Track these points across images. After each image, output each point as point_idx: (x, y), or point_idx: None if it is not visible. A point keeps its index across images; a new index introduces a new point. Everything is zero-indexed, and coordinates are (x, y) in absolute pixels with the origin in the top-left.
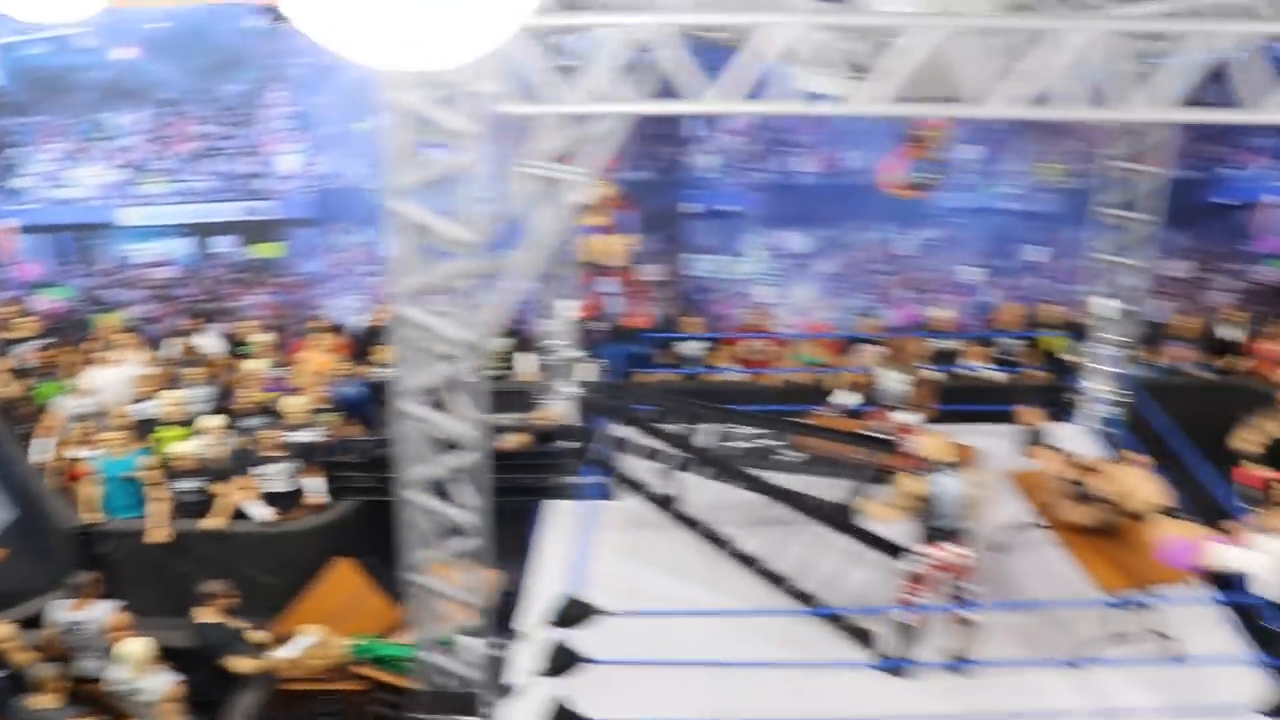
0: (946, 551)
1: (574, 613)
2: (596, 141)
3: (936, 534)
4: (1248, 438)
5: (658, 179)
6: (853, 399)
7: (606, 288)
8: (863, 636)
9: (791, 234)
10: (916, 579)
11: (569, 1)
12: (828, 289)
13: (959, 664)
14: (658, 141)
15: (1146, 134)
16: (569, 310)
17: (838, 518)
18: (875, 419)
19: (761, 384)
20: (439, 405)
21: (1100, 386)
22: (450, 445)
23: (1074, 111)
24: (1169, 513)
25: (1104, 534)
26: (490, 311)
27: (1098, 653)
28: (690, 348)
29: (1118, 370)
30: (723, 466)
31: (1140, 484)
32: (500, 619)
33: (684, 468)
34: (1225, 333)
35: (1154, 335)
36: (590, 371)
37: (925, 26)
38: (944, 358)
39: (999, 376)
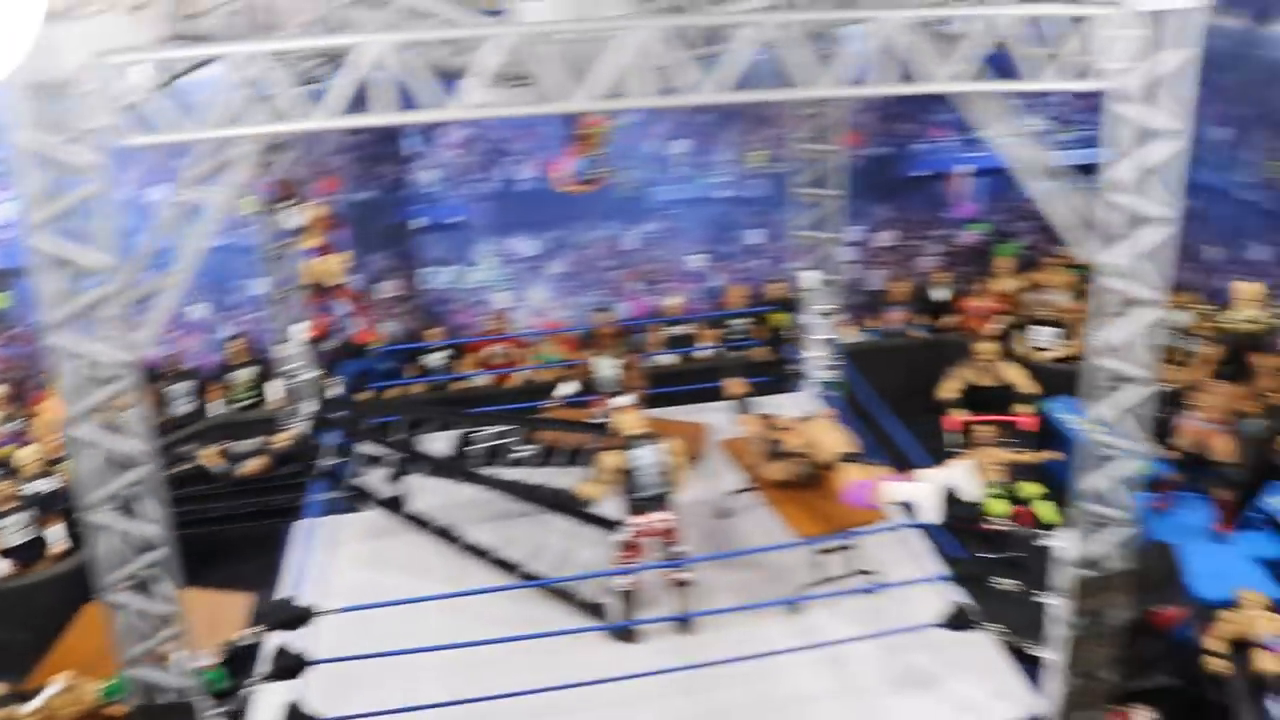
0: (651, 518)
1: (287, 615)
2: (236, 163)
3: (641, 503)
4: (949, 387)
5: (383, 198)
6: (571, 389)
7: (333, 307)
8: (593, 610)
9: (519, 239)
10: (628, 547)
11: (183, 34)
12: (561, 288)
13: (683, 618)
14: (380, 161)
15: (825, 116)
16: (300, 332)
17: (558, 502)
18: (597, 406)
19: (505, 385)
20: (111, 427)
21: (816, 354)
22: (125, 464)
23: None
24: (853, 459)
25: (801, 486)
26: (144, 331)
27: (810, 594)
28: (434, 358)
29: (830, 338)
30: (451, 468)
31: (825, 436)
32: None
33: (407, 473)
34: (935, 294)
35: (873, 302)
36: (325, 390)
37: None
38: (679, 342)
39: (729, 355)
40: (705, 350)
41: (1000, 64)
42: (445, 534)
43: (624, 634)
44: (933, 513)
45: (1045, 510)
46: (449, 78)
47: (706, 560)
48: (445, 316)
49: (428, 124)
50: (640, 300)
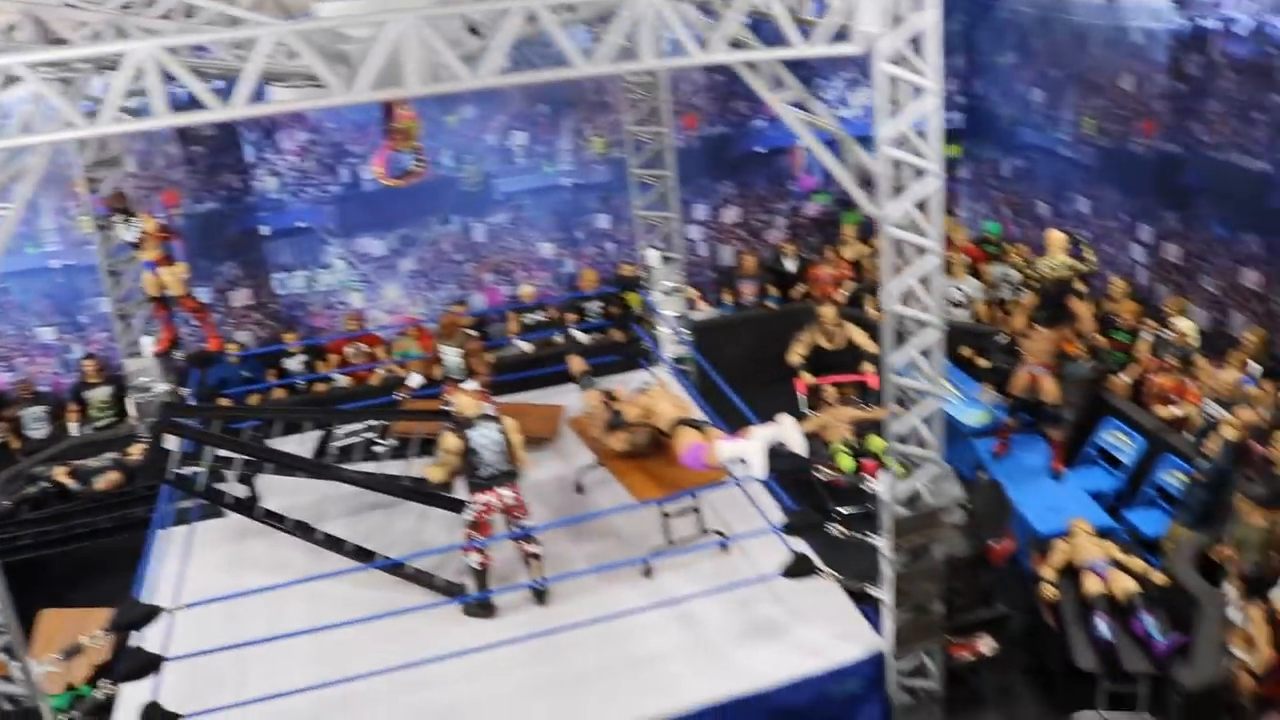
0: (494, 496)
1: (135, 615)
2: (27, 174)
3: (483, 482)
4: (795, 352)
5: (226, 207)
6: (417, 381)
7: (178, 318)
8: (450, 590)
9: (368, 239)
10: (475, 526)
11: None
12: (415, 284)
13: (536, 586)
14: (219, 171)
15: (655, 99)
16: (149, 346)
17: (406, 489)
18: (448, 393)
19: (364, 384)
20: None
21: (665, 331)
22: None
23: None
24: (688, 424)
25: (642, 455)
26: None
27: (659, 555)
28: (292, 361)
29: (677, 314)
30: (299, 466)
31: (661, 404)
32: None
33: (255, 474)
34: (785, 265)
35: (727, 278)
36: (176, 400)
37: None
38: (535, 328)
39: (569, 336)
40: (560, 334)
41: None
42: (299, 530)
43: (482, 610)
44: (759, 468)
45: (890, 462)
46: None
47: (551, 528)
48: (301, 320)
49: (264, 130)
50: (494, 290)
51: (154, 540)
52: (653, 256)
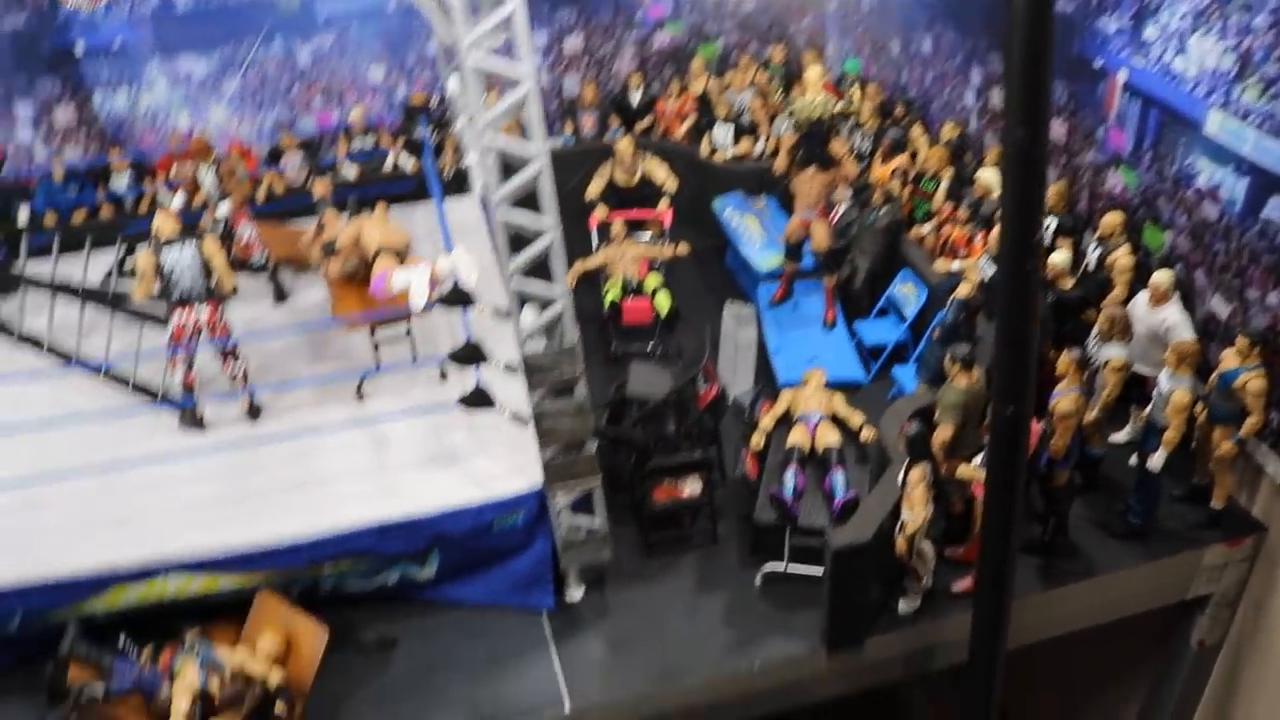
0: (187, 314)
1: None
2: None
3: (177, 300)
4: (593, 187)
5: (35, 27)
6: (176, 202)
7: None
8: (161, 399)
9: (190, 59)
10: (173, 341)
11: None
12: (243, 107)
13: (248, 400)
14: None
15: None
16: None
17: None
18: (208, 216)
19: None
20: None
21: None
22: None
23: None
24: (390, 252)
25: (356, 280)
26: None
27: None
28: (120, 183)
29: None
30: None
31: (370, 231)
32: None
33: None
34: (630, 97)
35: (570, 109)
36: None
37: None
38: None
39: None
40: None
41: None
42: (29, 342)
43: (193, 421)
44: (419, 297)
45: (662, 300)
46: None
47: (242, 341)
48: (127, 141)
49: None
50: (326, 114)
51: None
52: (453, 84)
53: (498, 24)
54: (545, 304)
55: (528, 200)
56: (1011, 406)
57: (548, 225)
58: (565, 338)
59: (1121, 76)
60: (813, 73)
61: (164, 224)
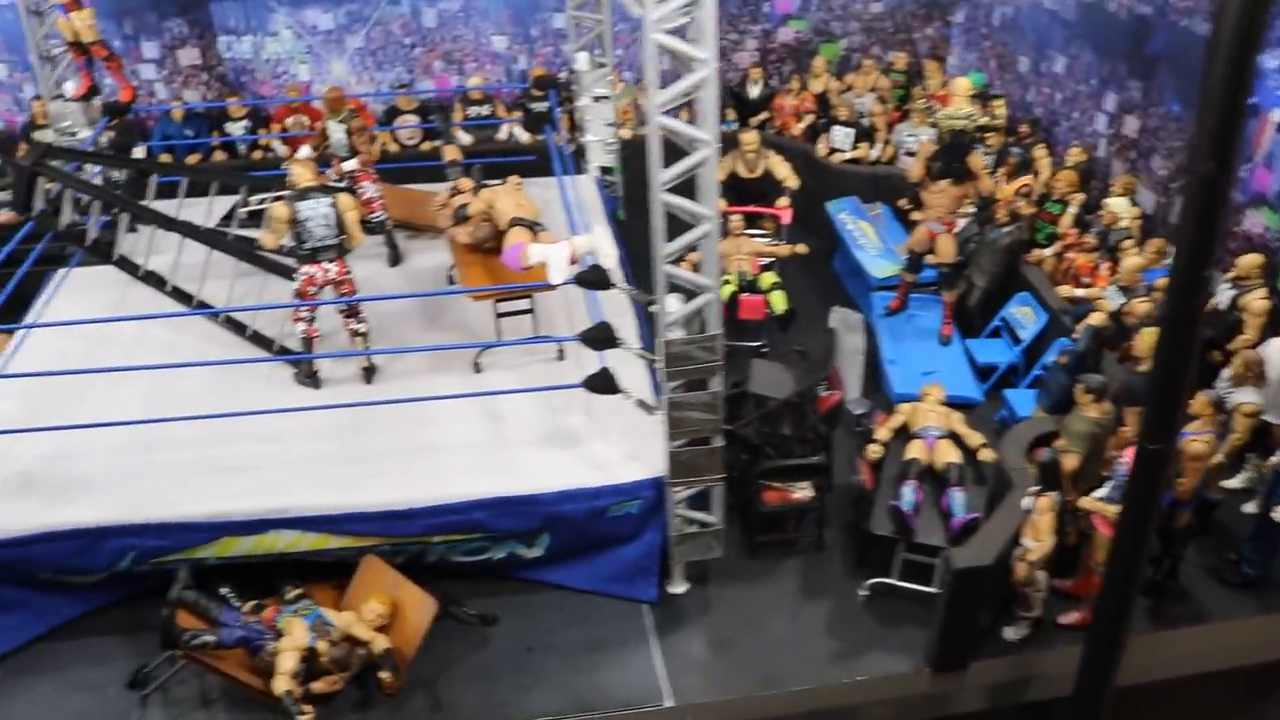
0: (318, 268)
1: None
2: None
3: (308, 254)
4: None
5: None
6: (305, 153)
7: (92, 67)
8: (277, 350)
9: (316, 11)
10: (299, 295)
11: None
12: (363, 63)
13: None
14: None
15: None
16: (70, 90)
17: (243, 252)
18: (334, 170)
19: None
20: None
21: (593, 139)
22: None
23: None
24: (523, 223)
25: (483, 249)
26: None
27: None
28: (235, 127)
29: (609, 125)
30: (156, 219)
31: (502, 201)
32: None
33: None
34: (749, 90)
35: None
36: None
37: None
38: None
39: (525, 136)
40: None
41: None
42: (150, 279)
43: (309, 379)
44: (558, 273)
45: (778, 299)
46: None
47: (371, 300)
48: (247, 86)
49: None
50: (444, 79)
51: (49, 278)
52: (582, 60)
53: (686, 3)
54: (690, 294)
55: (684, 188)
56: (1156, 443)
57: (707, 214)
58: (709, 329)
59: (1275, 116)
60: (960, 84)
61: (301, 173)
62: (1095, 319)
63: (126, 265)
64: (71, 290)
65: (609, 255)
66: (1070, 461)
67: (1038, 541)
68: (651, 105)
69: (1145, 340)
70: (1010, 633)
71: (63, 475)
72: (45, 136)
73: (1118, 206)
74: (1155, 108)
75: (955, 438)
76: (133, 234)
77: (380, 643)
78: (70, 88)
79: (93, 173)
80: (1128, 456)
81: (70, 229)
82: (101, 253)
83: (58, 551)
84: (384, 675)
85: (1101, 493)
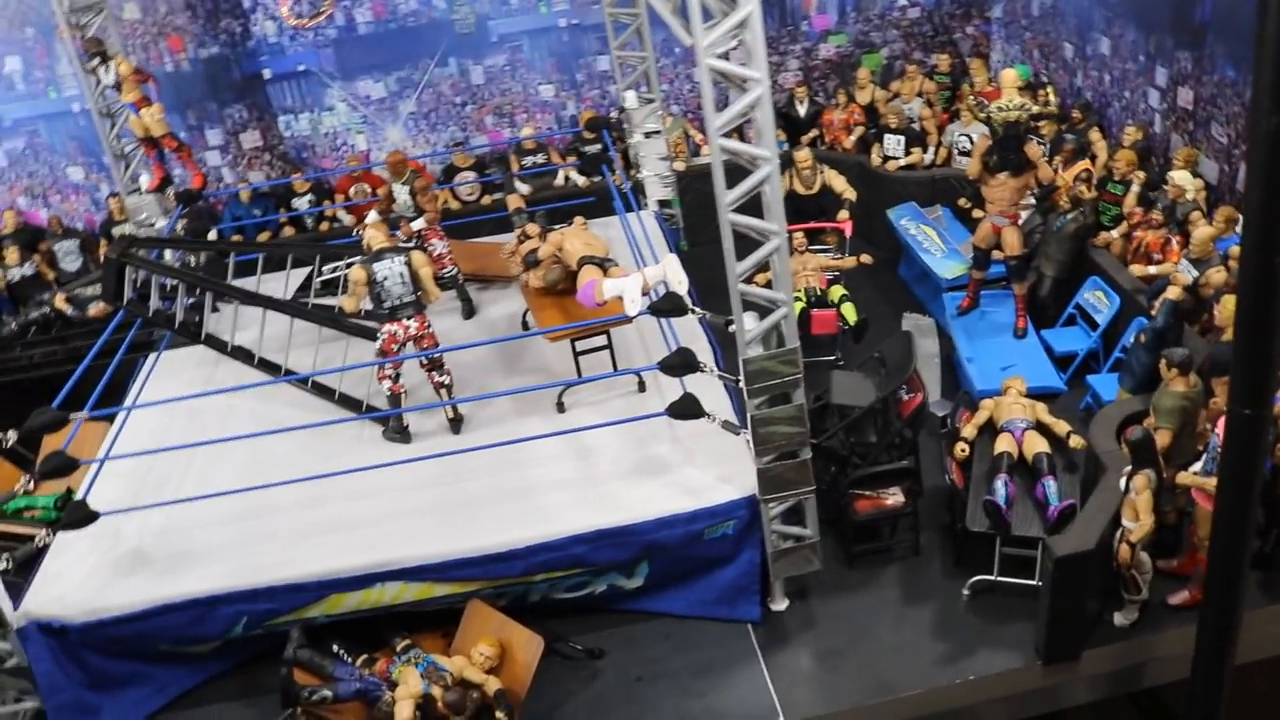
0: (399, 326)
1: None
2: None
3: (387, 313)
4: None
5: (230, 52)
6: (374, 218)
7: (165, 157)
8: (364, 409)
9: (367, 81)
10: (382, 353)
11: None
12: (417, 126)
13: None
14: (221, 16)
15: None
16: (145, 183)
17: (323, 318)
18: (404, 231)
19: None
20: None
21: (649, 175)
22: None
23: None
24: (592, 261)
25: (558, 292)
26: None
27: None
28: (300, 201)
29: (663, 159)
30: (243, 296)
31: (571, 242)
32: None
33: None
34: (796, 109)
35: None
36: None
37: None
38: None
39: (506, 173)
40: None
41: None
42: (238, 354)
43: (399, 435)
44: (633, 305)
45: (849, 311)
46: None
47: (448, 351)
48: (309, 161)
49: None
50: (496, 132)
51: (141, 363)
52: (630, 99)
53: (734, 26)
54: (764, 311)
55: (748, 207)
56: (1249, 408)
57: (775, 229)
58: (786, 343)
59: None
60: (1008, 75)
61: (374, 236)
62: (1172, 294)
63: (214, 343)
64: (163, 373)
65: (680, 284)
66: (1163, 438)
67: (1137, 522)
68: (711, 129)
69: (1226, 309)
70: (1120, 618)
71: (172, 549)
72: (124, 230)
73: (1182, 179)
74: (1208, 75)
75: (1042, 428)
76: (215, 314)
77: (493, 684)
78: (145, 180)
79: (173, 259)
80: (1221, 428)
81: (159, 314)
82: (190, 333)
83: (174, 623)
84: (500, 716)
85: (1197, 466)
